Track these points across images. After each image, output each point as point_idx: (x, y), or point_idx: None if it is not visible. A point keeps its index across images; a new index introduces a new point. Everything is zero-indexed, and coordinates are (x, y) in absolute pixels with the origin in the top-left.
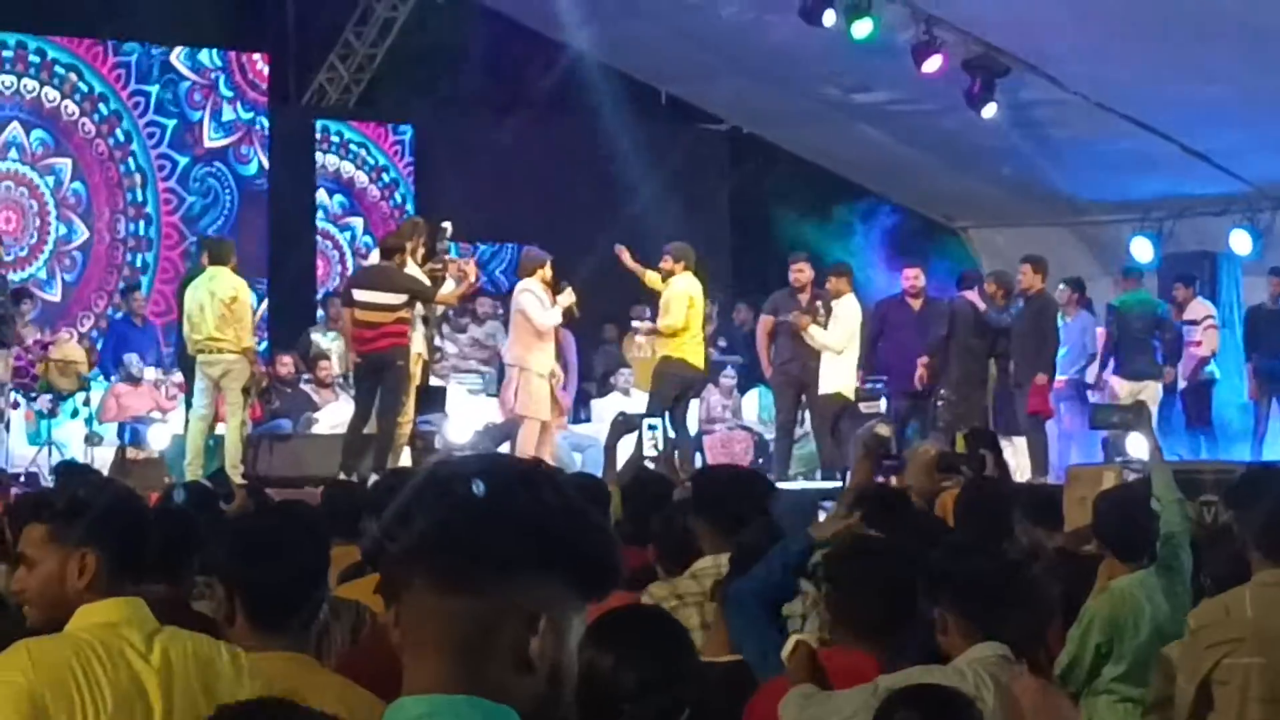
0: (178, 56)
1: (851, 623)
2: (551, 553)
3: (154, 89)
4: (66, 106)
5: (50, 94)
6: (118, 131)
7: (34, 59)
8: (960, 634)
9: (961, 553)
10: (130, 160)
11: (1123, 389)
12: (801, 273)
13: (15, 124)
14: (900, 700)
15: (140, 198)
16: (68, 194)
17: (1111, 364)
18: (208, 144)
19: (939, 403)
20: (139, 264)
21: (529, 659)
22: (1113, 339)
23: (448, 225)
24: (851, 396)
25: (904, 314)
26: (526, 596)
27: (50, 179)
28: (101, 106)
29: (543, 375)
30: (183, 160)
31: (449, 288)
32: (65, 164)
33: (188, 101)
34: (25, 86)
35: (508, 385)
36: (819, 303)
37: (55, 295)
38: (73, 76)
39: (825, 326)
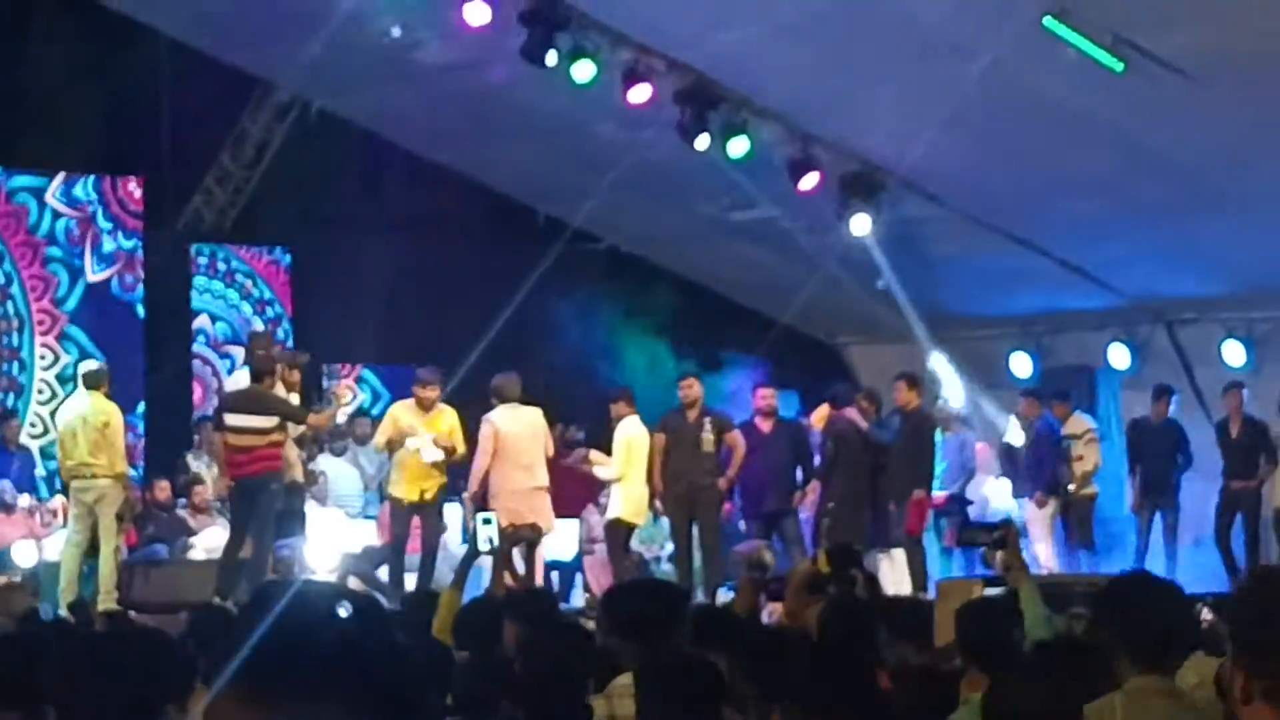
0: (54, 193)
1: None
2: (358, 687)
3: (29, 213)
4: None
5: None
6: None
7: None
8: None
9: None
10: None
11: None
12: (691, 389)
13: None
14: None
15: (15, 342)
16: None
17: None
18: (91, 278)
19: (825, 520)
20: (12, 385)
21: None
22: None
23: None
24: (637, 521)
25: (754, 437)
26: (321, 718)
27: None
28: None
29: None
30: (61, 285)
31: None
32: None
33: (67, 238)
34: None
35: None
36: (707, 419)
37: None
38: None
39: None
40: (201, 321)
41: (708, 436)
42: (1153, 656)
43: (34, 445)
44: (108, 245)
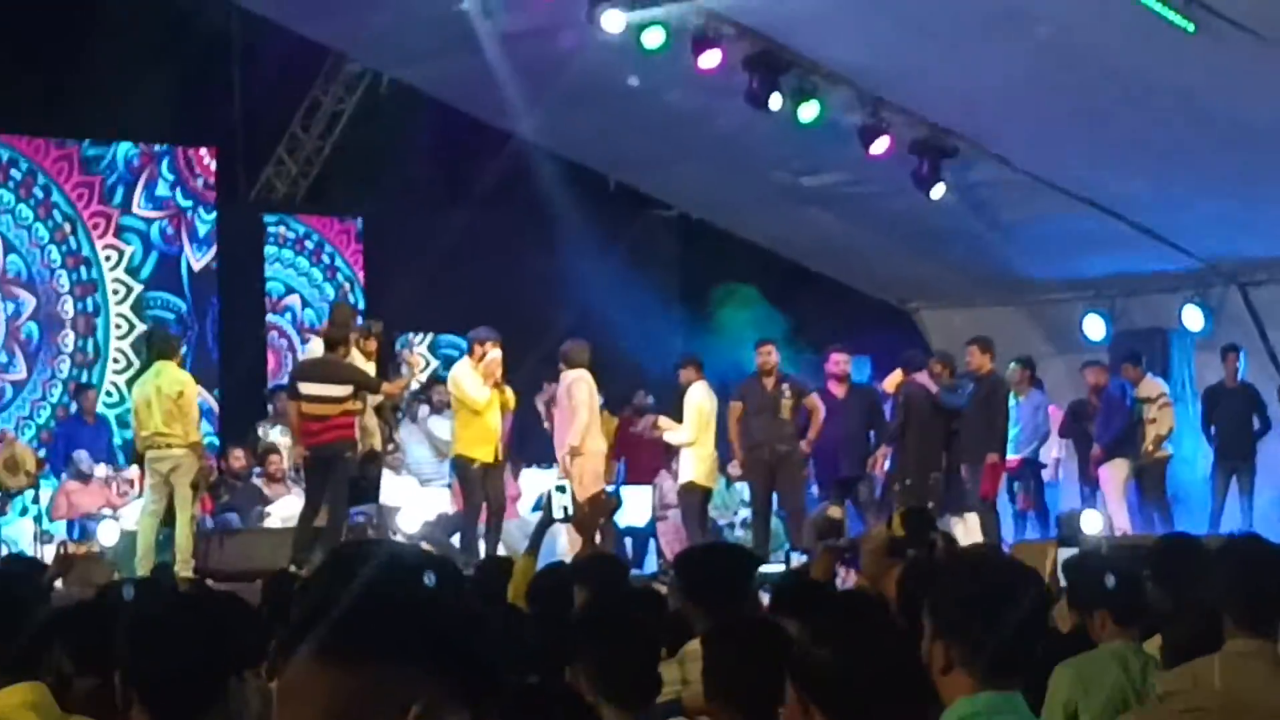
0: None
1: (730, 695)
2: (436, 650)
3: (98, 176)
4: (2, 196)
5: None
6: (55, 214)
7: None
8: None
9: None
10: (71, 241)
11: None
12: (769, 355)
13: None
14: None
15: (86, 276)
16: (5, 270)
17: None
18: (137, 210)
19: (896, 486)
20: (89, 348)
21: None
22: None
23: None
24: (710, 485)
25: (827, 402)
26: (403, 685)
27: None
28: (38, 191)
29: None
30: (130, 249)
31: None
32: None
33: (126, 169)
34: None
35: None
36: (785, 385)
37: (20, 373)
38: (4, 164)
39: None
40: (291, 300)
41: (786, 402)
42: (1257, 620)
43: (110, 415)
44: (202, 228)
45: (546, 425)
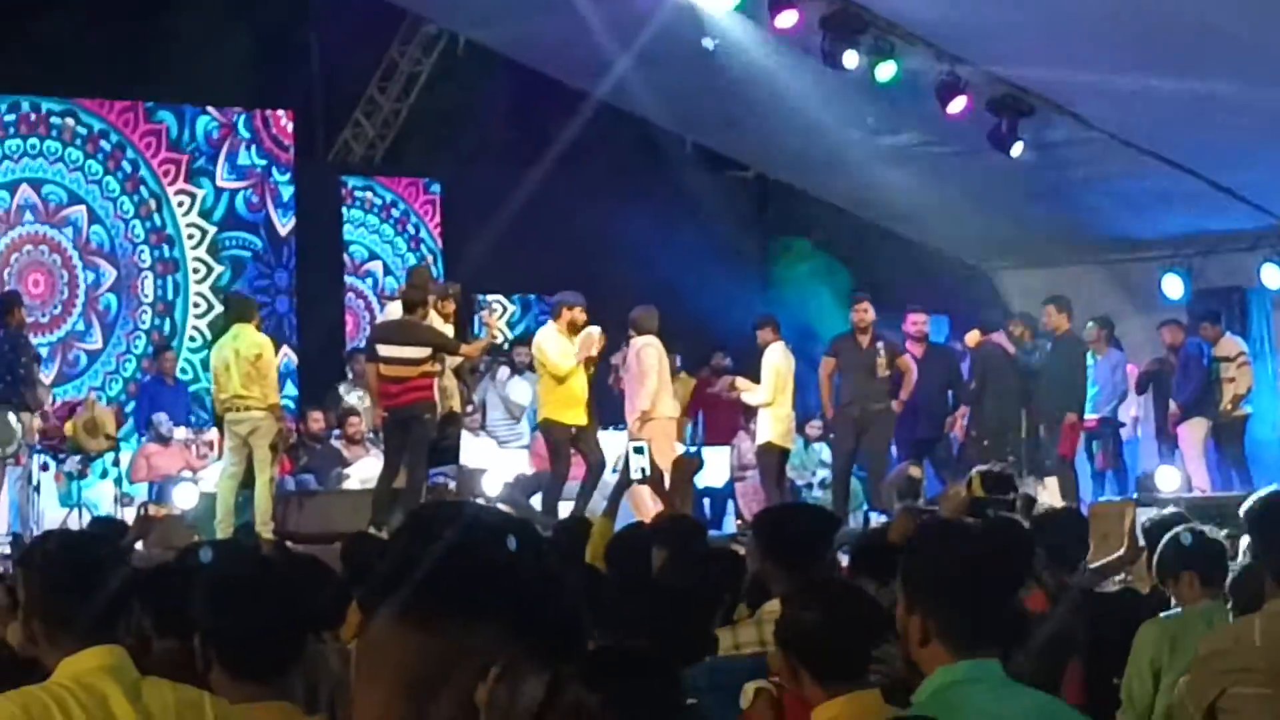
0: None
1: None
2: (517, 611)
3: (173, 134)
4: (91, 166)
5: (74, 154)
6: (142, 190)
7: (56, 121)
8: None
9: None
10: (155, 218)
11: None
12: (866, 313)
13: (24, 185)
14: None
15: (168, 254)
16: (89, 239)
17: None
18: (220, 183)
19: (974, 447)
20: (168, 298)
21: (474, 705)
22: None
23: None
24: (788, 445)
25: None
26: (483, 646)
27: (69, 230)
28: (125, 165)
29: None
30: (201, 192)
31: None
32: (80, 211)
33: (206, 141)
34: (48, 149)
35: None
36: (880, 343)
37: (96, 343)
38: (95, 135)
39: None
40: (373, 266)
41: (882, 361)
42: None
43: (195, 359)
44: (285, 192)
45: (612, 384)
